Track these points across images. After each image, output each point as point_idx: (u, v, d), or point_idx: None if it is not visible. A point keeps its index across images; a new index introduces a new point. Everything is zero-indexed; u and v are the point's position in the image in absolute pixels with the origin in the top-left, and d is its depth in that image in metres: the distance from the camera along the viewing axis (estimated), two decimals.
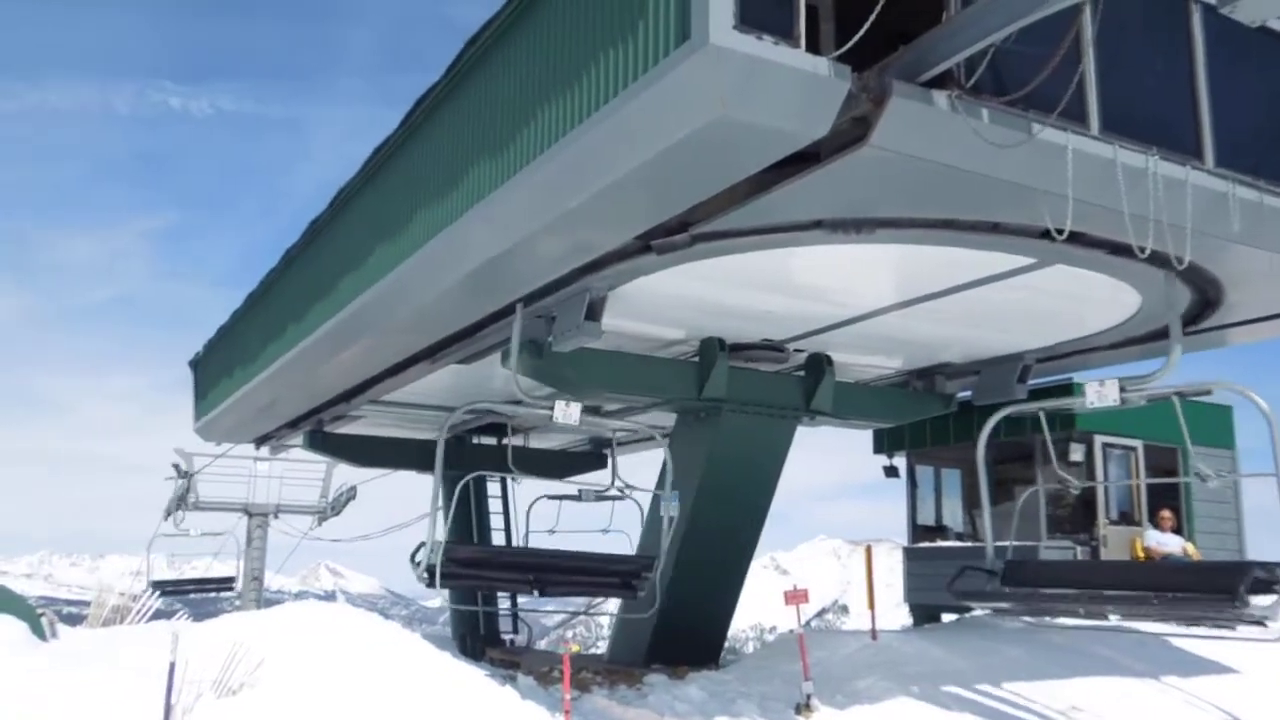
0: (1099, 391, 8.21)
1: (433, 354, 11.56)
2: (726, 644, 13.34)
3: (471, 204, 7.96)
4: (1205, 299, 9.30)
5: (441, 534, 10.12)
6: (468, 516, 18.11)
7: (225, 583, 23.88)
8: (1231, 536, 14.58)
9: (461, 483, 12.13)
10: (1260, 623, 7.77)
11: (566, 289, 8.99)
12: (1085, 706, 9.08)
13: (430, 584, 10.49)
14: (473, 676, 8.42)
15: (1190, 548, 13.37)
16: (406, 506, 21.60)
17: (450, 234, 8.35)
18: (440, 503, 10.42)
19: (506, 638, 18.10)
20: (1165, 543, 13.29)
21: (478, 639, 17.45)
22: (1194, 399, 14.61)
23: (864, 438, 15.80)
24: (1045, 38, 6.12)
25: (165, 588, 21.73)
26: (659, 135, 5.99)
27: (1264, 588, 7.52)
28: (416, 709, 7.34)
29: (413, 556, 10.56)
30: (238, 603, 24.91)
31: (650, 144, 6.07)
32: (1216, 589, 7.57)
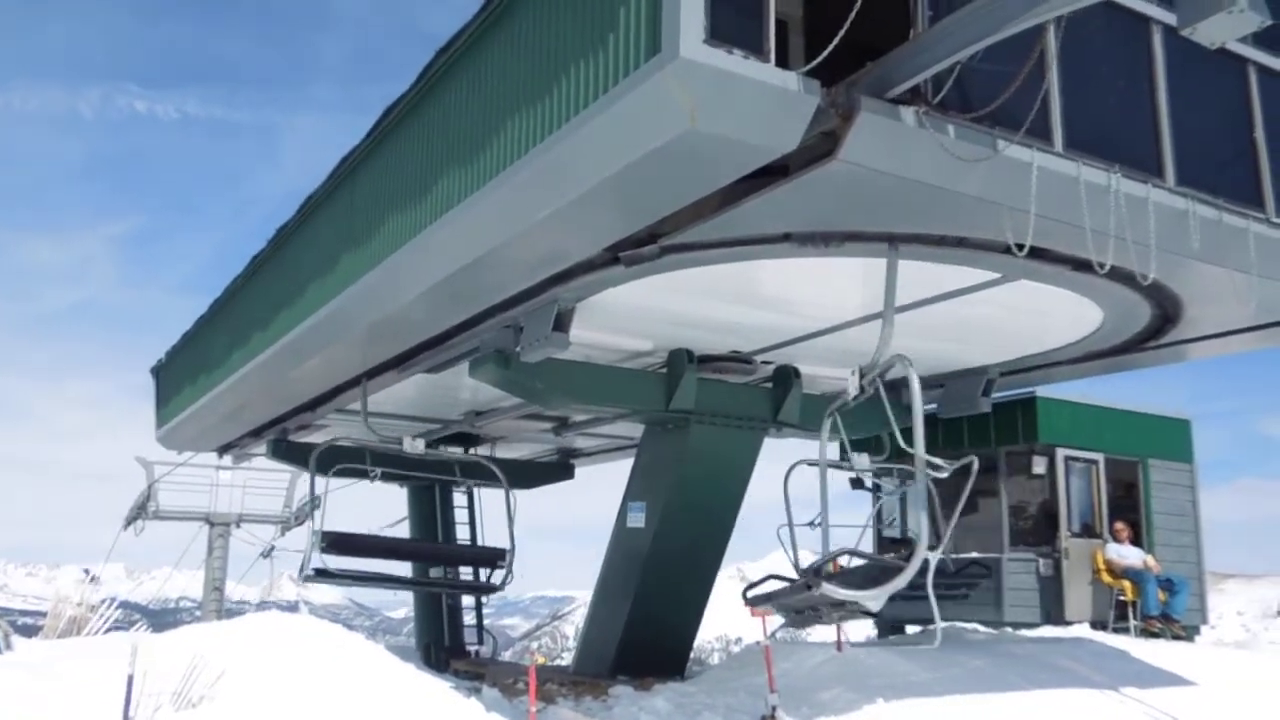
0: (852, 381, 8.78)
1: (400, 363, 11.50)
2: (691, 655, 13.35)
3: (440, 213, 7.94)
4: (1165, 315, 9.45)
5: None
6: (433, 528, 18.00)
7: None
8: (1190, 549, 14.81)
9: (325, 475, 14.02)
10: (868, 613, 8.06)
11: (535, 299, 8.98)
12: (1048, 717, 9.15)
13: (314, 578, 12.84)
14: (437, 688, 8.34)
15: (1150, 560, 13.58)
16: (371, 517, 21.47)
17: (418, 243, 8.32)
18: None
19: (471, 649, 17.98)
20: (1125, 555, 13.49)
21: (442, 650, 17.33)
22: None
23: (830, 450, 15.87)
24: (1011, 56, 6.22)
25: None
26: (628, 148, 6.02)
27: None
28: None
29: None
30: (198, 614, 24.59)
31: (619, 156, 6.10)
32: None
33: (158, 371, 19.00)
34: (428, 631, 18.00)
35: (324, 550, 12.78)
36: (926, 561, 7.31)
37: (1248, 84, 7.95)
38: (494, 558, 14.01)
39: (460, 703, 8.11)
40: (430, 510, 18.08)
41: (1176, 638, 13.04)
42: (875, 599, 7.38)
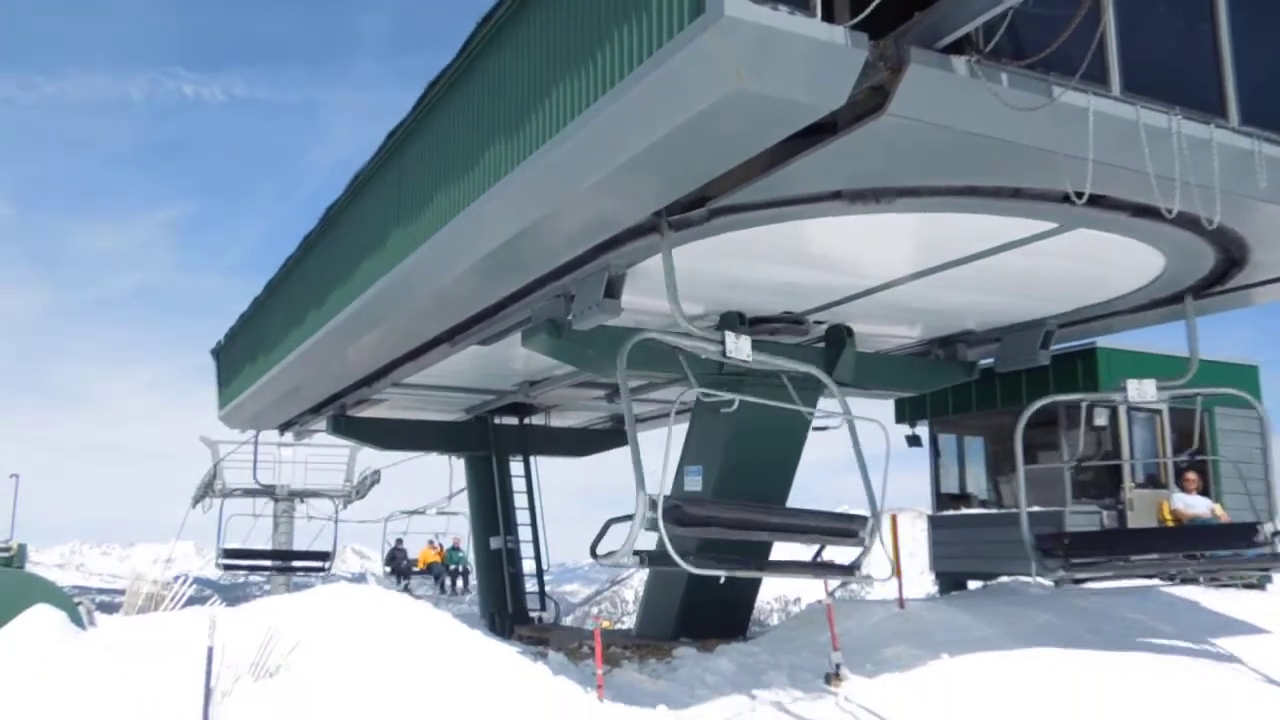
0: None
1: (452, 336, 11.60)
2: (752, 616, 13.39)
3: (488, 185, 7.96)
4: (1230, 259, 9.20)
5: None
6: (492, 499, 18.24)
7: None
8: (1260, 497, 14.48)
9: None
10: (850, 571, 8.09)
11: (585, 267, 8.99)
12: (1116, 669, 9.07)
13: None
14: (504, 654, 8.50)
15: (1219, 509, 13.30)
16: (430, 488, 21.87)
17: (468, 215, 8.35)
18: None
19: (534, 615, 18.25)
20: (1192, 504, 13.23)
21: (506, 617, 17.62)
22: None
23: (886, 407, 15.77)
24: None
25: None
26: (675, 110, 5.97)
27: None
28: (451, 687, 7.43)
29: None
30: (267, 588, 25.25)
31: (667, 119, 6.05)
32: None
33: (218, 353, 19.38)
34: (491, 599, 18.29)
35: (223, 558, 23.50)
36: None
37: None
38: (323, 557, 23.97)
39: (527, 667, 8.25)
40: (488, 480, 18.30)
41: (1248, 586, 12.81)
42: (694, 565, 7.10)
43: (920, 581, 17.57)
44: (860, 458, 8.23)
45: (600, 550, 7.01)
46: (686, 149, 6.41)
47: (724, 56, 5.43)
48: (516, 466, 18.49)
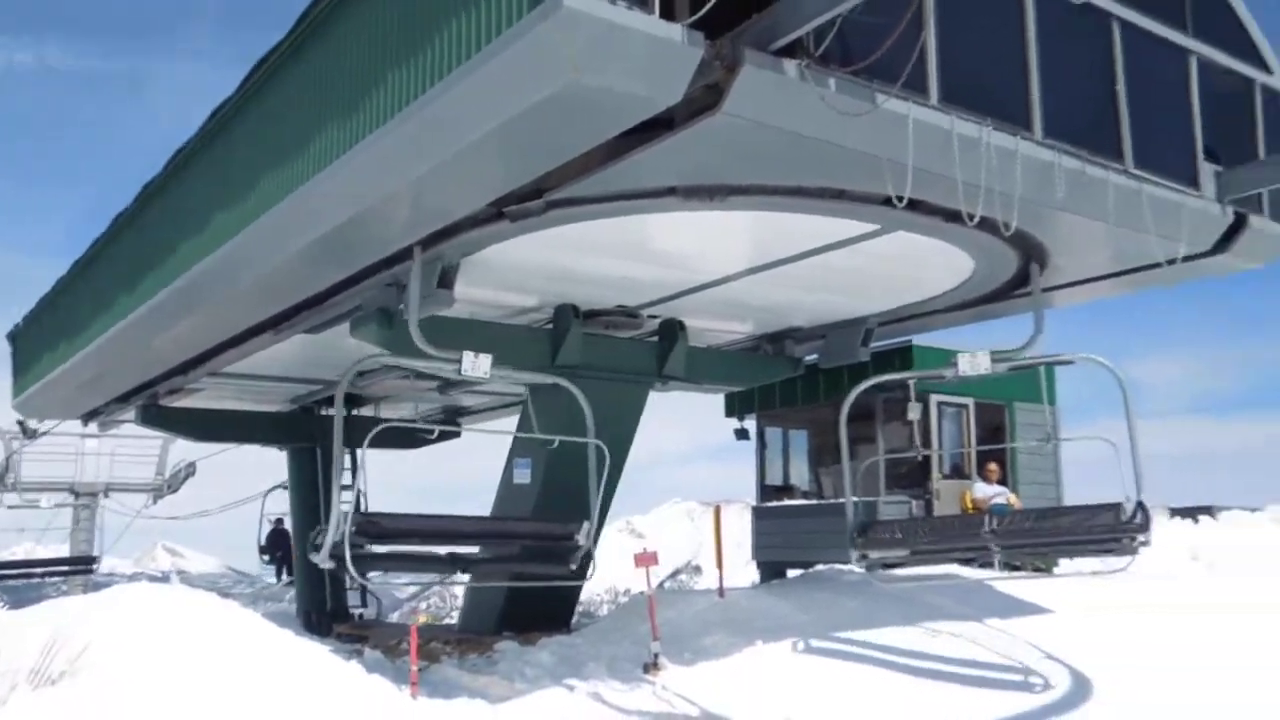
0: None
1: (277, 324, 11.14)
2: (581, 608, 13.44)
3: (318, 168, 7.68)
4: (1031, 262, 9.85)
5: None
6: (315, 492, 17.63)
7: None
8: (1051, 485, 15.57)
9: None
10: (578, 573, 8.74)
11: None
12: (920, 650, 9.61)
13: None
14: (314, 653, 8.16)
15: (1013, 497, 14.22)
16: (251, 481, 20.94)
17: (296, 199, 8.03)
18: None
19: (355, 612, 17.76)
20: (990, 493, 14.11)
21: (325, 615, 17.07)
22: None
23: (716, 401, 16.14)
24: (890, 9, 6.34)
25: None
26: (512, 100, 5.93)
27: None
28: (251, 689, 7.06)
29: None
30: (64, 587, 23.63)
31: (503, 109, 6.00)
32: None
33: (14, 338, 17.99)
34: (309, 597, 17.69)
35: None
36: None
37: (1112, 39, 8.30)
38: (90, 561, 22.98)
39: (340, 666, 7.98)
40: (311, 473, 17.70)
41: (1037, 570, 13.73)
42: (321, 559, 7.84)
43: (745, 571, 18.09)
44: (592, 473, 8.93)
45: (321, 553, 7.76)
46: (523, 139, 6.39)
47: (561, 48, 5.43)
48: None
